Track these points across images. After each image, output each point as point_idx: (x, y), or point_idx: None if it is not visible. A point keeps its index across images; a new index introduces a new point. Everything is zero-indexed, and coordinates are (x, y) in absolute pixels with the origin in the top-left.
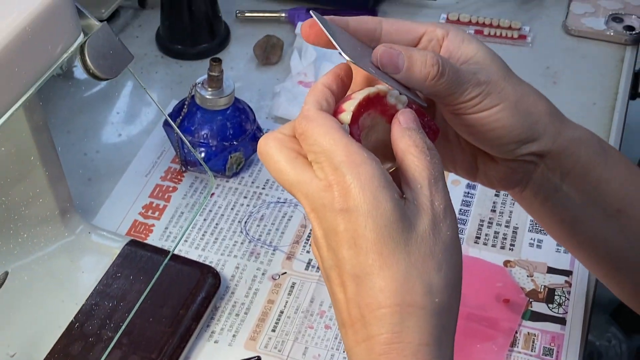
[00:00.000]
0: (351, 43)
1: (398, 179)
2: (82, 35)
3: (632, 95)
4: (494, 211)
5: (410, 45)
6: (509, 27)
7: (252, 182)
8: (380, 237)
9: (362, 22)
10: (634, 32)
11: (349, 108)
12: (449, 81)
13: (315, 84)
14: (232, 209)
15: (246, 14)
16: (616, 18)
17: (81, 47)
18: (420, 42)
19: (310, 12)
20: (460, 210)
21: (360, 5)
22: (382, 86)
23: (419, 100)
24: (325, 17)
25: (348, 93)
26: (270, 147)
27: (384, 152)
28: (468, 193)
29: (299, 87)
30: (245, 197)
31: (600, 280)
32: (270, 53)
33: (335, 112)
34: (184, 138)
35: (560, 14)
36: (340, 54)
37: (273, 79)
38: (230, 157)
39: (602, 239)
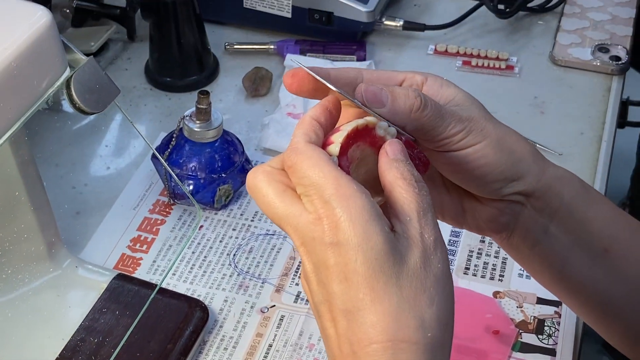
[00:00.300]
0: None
1: (388, 211)
2: (68, 69)
3: (620, 124)
4: (483, 242)
5: None
6: (497, 58)
7: (241, 214)
8: (371, 271)
9: (343, 71)
10: (620, 62)
11: (337, 140)
12: (433, 114)
13: (303, 117)
14: (220, 241)
15: (235, 46)
16: (602, 48)
17: (67, 82)
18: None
19: (290, 57)
20: (450, 241)
21: (349, 37)
22: (371, 118)
23: (408, 134)
24: (307, 67)
25: (337, 125)
26: (259, 180)
27: (374, 184)
28: None
29: (288, 119)
30: (234, 230)
31: (591, 326)
32: (259, 85)
33: (324, 145)
34: (171, 171)
35: (547, 44)
36: (329, 87)
37: (262, 110)
38: (219, 190)
39: (590, 281)
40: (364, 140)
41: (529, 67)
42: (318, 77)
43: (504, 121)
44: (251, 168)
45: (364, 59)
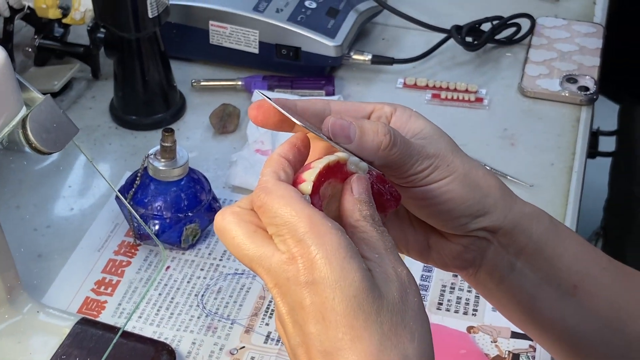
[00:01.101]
0: (303, 118)
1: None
2: (24, 108)
3: (591, 154)
4: (456, 276)
5: None
6: (466, 91)
7: (209, 254)
8: (350, 308)
9: (310, 103)
10: (588, 92)
11: (309, 178)
12: (401, 152)
13: (271, 155)
14: (188, 282)
15: (202, 83)
16: (570, 79)
17: (23, 121)
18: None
19: (257, 91)
20: (422, 276)
21: (318, 72)
22: (342, 154)
23: (377, 169)
24: (273, 99)
25: (307, 162)
26: (227, 221)
27: None
28: None
29: (256, 155)
30: (202, 270)
31: None
32: (226, 121)
33: (294, 183)
34: (134, 212)
35: (516, 76)
36: (295, 122)
37: (230, 147)
38: (186, 229)
39: (559, 317)
40: (335, 176)
41: (498, 99)
42: (283, 111)
43: (473, 153)
44: (219, 206)
45: (333, 94)
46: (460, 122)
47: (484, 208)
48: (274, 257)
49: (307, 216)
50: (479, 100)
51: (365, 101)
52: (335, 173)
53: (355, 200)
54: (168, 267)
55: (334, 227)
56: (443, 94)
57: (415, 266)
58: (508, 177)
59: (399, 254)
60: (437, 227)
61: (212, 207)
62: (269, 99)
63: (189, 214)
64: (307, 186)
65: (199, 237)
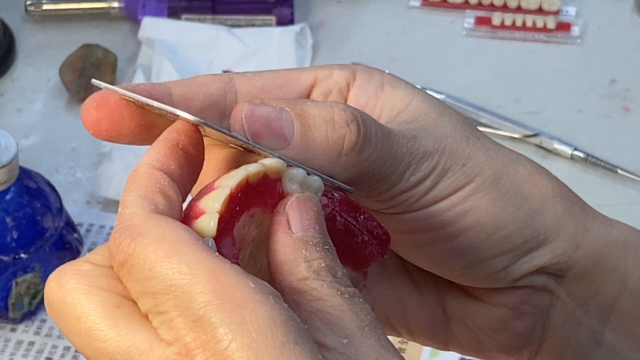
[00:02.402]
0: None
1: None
2: None
3: None
4: None
5: None
6: (539, 10)
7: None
8: None
9: (197, 84)
10: None
11: (211, 207)
12: (379, 152)
13: (137, 167)
14: None
15: (45, 7)
16: None
17: None
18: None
19: (93, 81)
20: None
21: None
22: (271, 160)
23: (342, 184)
24: (121, 85)
25: (202, 180)
26: (69, 290)
27: None
28: None
29: None
30: (48, 359)
31: None
32: (91, 77)
33: (186, 218)
34: None
35: None
36: (178, 115)
37: None
38: (16, 284)
39: None
40: (262, 202)
41: (600, 25)
42: (148, 101)
43: (552, 127)
44: (77, 241)
45: (291, 22)
46: (528, 69)
47: (537, 234)
48: (152, 351)
49: (209, 272)
50: (564, 27)
51: (351, 42)
52: (260, 196)
53: (296, 241)
54: None
55: (260, 288)
56: (496, 18)
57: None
58: (618, 171)
59: (389, 337)
60: (457, 281)
61: (65, 242)
62: (116, 88)
63: (22, 255)
64: (208, 223)
65: (42, 298)
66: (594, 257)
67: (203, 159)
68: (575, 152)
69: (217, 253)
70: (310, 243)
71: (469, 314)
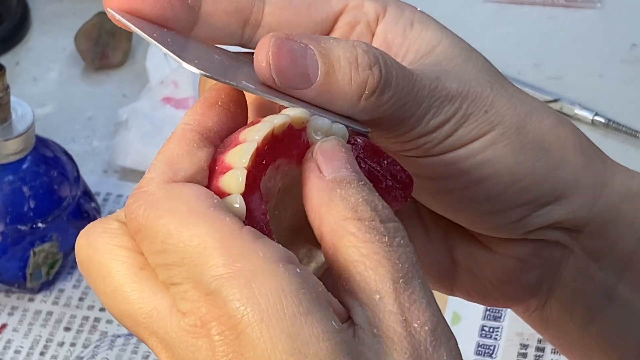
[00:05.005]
0: (201, 49)
1: (335, 283)
2: None
3: None
4: None
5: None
6: None
7: (80, 299)
8: None
9: (215, 3)
10: None
11: (238, 162)
12: (399, 96)
13: (175, 129)
14: (42, 353)
15: None
16: None
17: None
18: (335, 30)
19: (109, 10)
20: (483, 330)
21: None
22: (293, 110)
23: (358, 125)
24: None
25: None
26: (97, 248)
27: (309, 235)
28: None
29: (166, 109)
30: (67, 329)
31: None
32: (107, 47)
33: (213, 172)
34: None
35: None
36: (177, 62)
37: (115, 95)
38: (33, 253)
39: None
40: (288, 153)
41: None
42: (155, 42)
43: (575, 91)
44: (95, 210)
45: None
46: (549, 35)
47: (555, 188)
48: (170, 319)
49: (219, 244)
50: None
51: None
52: (285, 148)
53: (329, 182)
54: (4, 326)
55: (271, 257)
56: None
57: (468, 310)
58: (639, 136)
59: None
60: (470, 228)
61: (83, 212)
62: (123, 19)
63: (39, 224)
64: (236, 179)
65: (61, 267)
66: (611, 212)
67: (246, 116)
68: (596, 118)
69: (232, 216)
70: (345, 182)
71: (477, 262)
